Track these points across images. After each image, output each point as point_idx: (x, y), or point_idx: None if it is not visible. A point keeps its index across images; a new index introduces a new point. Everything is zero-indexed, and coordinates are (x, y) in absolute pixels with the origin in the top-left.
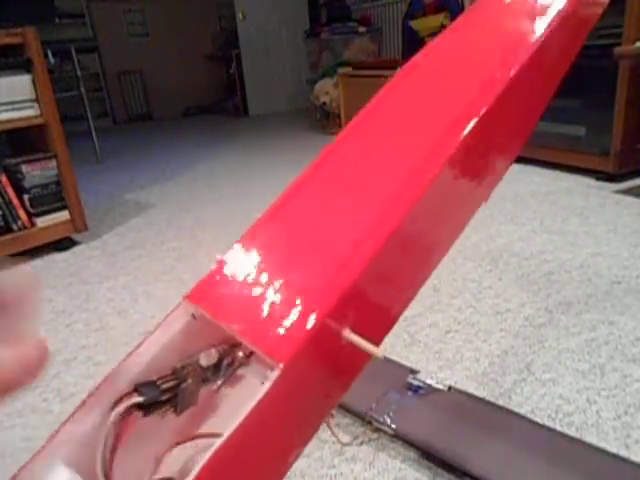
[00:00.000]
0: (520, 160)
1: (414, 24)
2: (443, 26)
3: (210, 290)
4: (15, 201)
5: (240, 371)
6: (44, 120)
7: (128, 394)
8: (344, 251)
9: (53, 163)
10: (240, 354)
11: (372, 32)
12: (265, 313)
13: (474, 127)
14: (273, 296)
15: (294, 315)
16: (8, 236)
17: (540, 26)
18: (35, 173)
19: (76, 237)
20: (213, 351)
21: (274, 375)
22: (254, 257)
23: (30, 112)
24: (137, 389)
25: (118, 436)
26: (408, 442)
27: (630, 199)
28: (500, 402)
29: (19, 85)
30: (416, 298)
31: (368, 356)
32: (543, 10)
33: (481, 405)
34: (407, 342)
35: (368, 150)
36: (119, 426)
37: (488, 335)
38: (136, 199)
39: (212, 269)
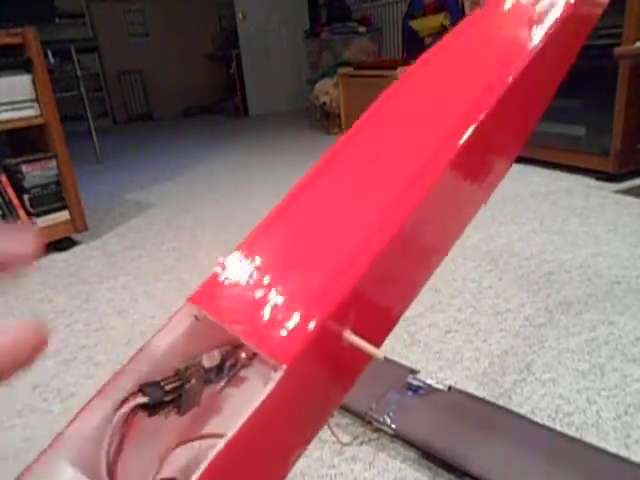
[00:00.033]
0: (520, 160)
1: (414, 24)
2: (443, 26)
3: (213, 292)
4: (15, 201)
5: (242, 372)
6: (44, 120)
7: (133, 394)
8: (346, 254)
9: (53, 163)
10: (243, 355)
11: (372, 32)
12: (268, 315)
13: (474, 131)
14: (276, 298)
15: (297, 317)
16: None
17: (540, 29)
18: (35, 173)
19: (76, 237)
20: (216, 352)
21: (277, 376)
22: (256, 259)
23: (30, 112)
24: (142, 390)
25: (123, 436)
26: (408, 442)
27: (630, 199)
28: (500, 402)
29: (19, 85)
30: (416, 298)
31: (369, 357)
32: (542, 13)
33: (481, 405)
34: (407, 342)
35: (369, 155)
36: (124, 426)
37: (488, 335)
38: (136, 199)
39: (215, 271)
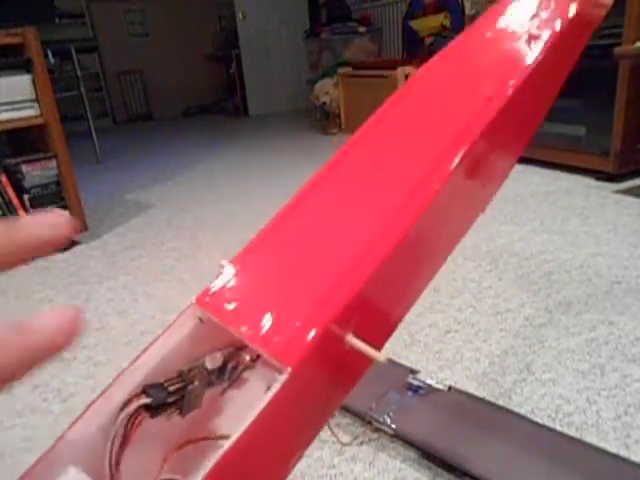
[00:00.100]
0: (520, 160)
1: (414, 24)
2: (443, 26)
3: (217, 294)
4: (15, 201)
5: (245, 374)
6: (44, 120)
7: (136, 396)
8: (351, 258)
9: (53, 163)
10: (246, 357)
11: (372, 32)
12: (272, 317)
13: (477, 139)
14: (280, 301)
15: (301, 320)
16: None
17: (543, 35)
18: (35, 173)
19: (76, 237)
20: (218, 354)
21: (282, 379)
22: (261, 263)
23: (30, 112)
24: (145, 391)
25: (126, 437)
26: (408, 442)
27: (630, 199)
28: (500, 402)
29: (19, 85)
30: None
31: (370, 360)
32: (545, 18)
33: (481, 405)
34: (407, 342)
35: (374, 161)
36: (127, 427)
37: (488, 335)
38: (136, 199)
39: (219, 273)
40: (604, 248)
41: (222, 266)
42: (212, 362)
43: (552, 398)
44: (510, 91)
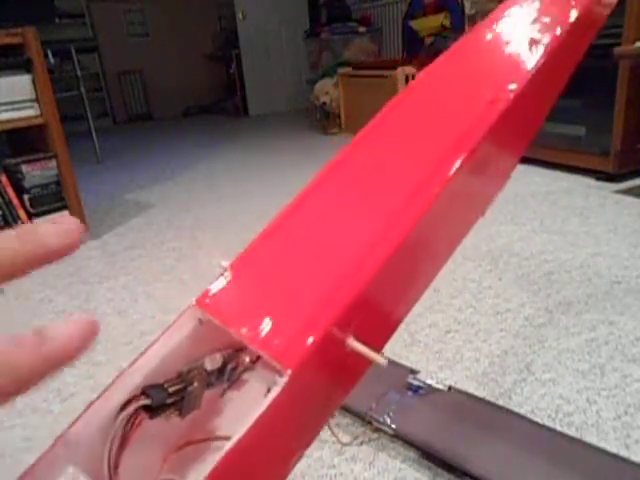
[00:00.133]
0: (520, 160)
1: (414, 24)
2: (443, 26)
3: (218, 295)
4: (15, 201)
5: (245, 376)
6: (44, 120)
7: (136, 397)
8: (352, 261)
9: (53, 163)
10: (246, 359)
11: (372, 32)
12: (273, 319)
13: (479, 143)
14: (280, 303)
15: (302, 322)
16: None
17: (545, 39)
18: (35, 173)
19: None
20: (218, 355)
21: (282, 381)
22: (261, 264)
23: (30, 112)
24: (144, 392)
25: (125, 438)
26: (408, 442)
27: (630, 199)
28: (500, 402)
29: (19, 85)
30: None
31: (370, 362)
32: (547, 22)
33: (481, 405)
34: (407, 342)
35: (375, 163)
36: (126, 428)
37: (488, 335)
38: (136, 199)
39: (220, 274)
40: (604, 248)
41: (222, 267)
42: (212, 363)
43: (552, 398)
44: (512, 95)
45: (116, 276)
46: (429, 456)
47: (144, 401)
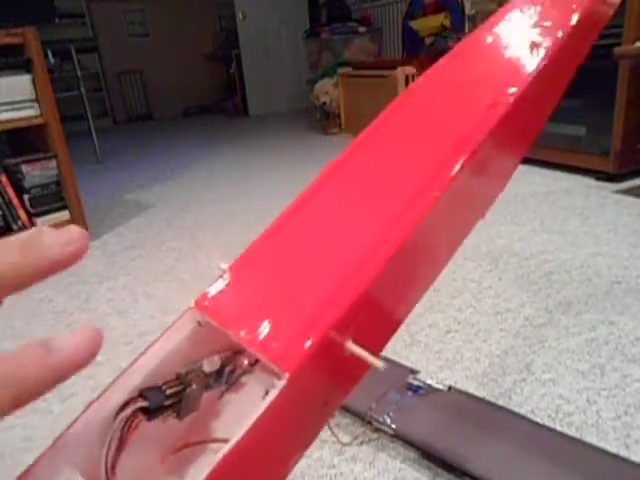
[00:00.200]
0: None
1: (414, 24)
2: (443, 26)
3: (217, 298)
4: (15, 201)
5: (243, 378)
6: (44, 120)
7: (134, 399)
8: (351, 264)
9: (53, 163)
10: (244, 361)
11: (372, 32)
12: (271, 322)
13: (479, 146)
14: (279, 305)
15: (300, 325)
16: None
17: (546, 42)
18: (35, 173)
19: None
20: (216, 358)
21: (280, 384)
22: (260, 267)
23: (30, 112)
24: (142, 394)
25: (123, 440)
26: (408, 442)
27: (630, 199)
28: (500, 402)
29: (19, 85)
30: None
31: (368, 366)
32: (548, 26)
33: (481, 405)
34: (407, 342)
35: (375, 166)
36: (124, 430)
37: (488, 335)
38: (136, 199)
39: (219, 276)
40: (604, 248)
41: (221, 269)
42: (210, 365)
43: (552, 398)
44: (512, 98)
45: (116, 276)
46: (429, 456)
47: (141, 403)
